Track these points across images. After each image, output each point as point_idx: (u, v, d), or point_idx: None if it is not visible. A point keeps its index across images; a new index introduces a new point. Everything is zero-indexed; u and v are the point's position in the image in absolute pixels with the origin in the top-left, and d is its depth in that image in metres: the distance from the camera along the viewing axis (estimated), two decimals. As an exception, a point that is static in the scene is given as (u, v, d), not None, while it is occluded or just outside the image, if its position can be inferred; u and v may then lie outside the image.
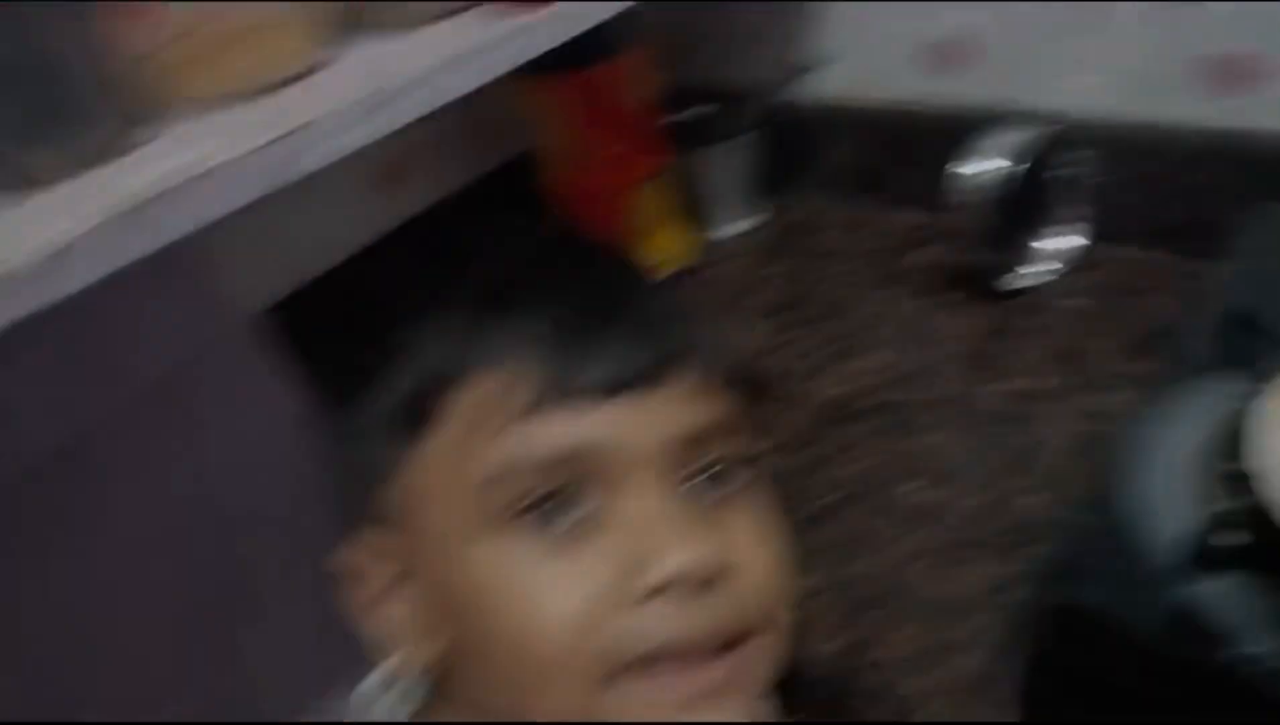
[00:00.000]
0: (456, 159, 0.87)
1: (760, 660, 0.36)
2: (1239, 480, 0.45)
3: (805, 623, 0.55)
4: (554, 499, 0.34)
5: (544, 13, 0.58)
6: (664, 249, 0.87)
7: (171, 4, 0.47)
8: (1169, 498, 0.46)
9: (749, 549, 0.36)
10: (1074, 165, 0.78)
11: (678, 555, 0.33)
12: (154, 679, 0.76)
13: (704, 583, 0.33)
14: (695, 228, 0.94)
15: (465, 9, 0.59)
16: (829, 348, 0.78)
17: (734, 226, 0.95)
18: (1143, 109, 0.76)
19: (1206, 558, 0.41)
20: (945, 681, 0.51)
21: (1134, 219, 0.79)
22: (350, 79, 0.51)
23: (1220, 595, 0.41)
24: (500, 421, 0.33)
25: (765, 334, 0.81)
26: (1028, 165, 0.74)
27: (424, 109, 0.51)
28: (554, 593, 0.33)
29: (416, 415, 0.35)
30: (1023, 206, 0.79)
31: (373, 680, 0.47)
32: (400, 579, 0.37)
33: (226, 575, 0.79)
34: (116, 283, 0.40)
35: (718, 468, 0.36)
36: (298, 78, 0.51)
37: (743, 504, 0.37)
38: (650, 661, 0.33)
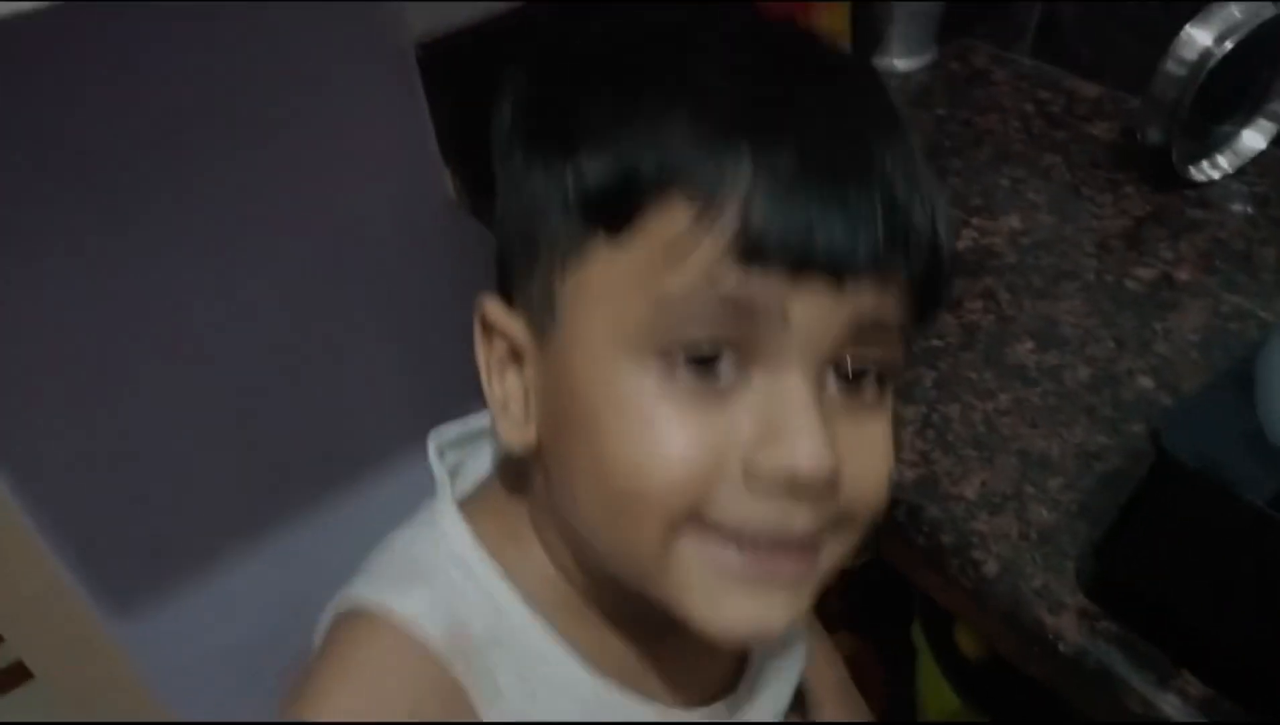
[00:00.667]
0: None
1: (831, 560, 0.37)
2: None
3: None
4: (711, 345, 0.32)
5: None
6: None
7: None
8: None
9: (867, 461, 0.36)
10: (1291, 61, 0.72)
11: (799, 455, 0.32)
12: (250, 391, 0.81)
13: (812, 489, 0.33)
14: (863, 58, 0.90)
15: None
16: (975, 200, 0.75)
17: (903, 61, 0.91)
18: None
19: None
20: (1015, 527, 0.52)
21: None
22: None
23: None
24: (693, 251, 0.31)
25: (912, 173, 0.79)
26: (1247, 47, 0.68)
27: None
28: (676, 434, 0.33)
29: (609, 213, 0.33)
30: (1223, 95, 0.74)
31: (455, 428, 0.49)
32: (523, 356, 0.37)
33: (337, 300, 0.83)
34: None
35: (873, 369, 0.35)
36: None
37: (878, 410, 0.36)
38: (730, 532, 0.34)
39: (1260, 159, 0.75)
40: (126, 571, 0.84)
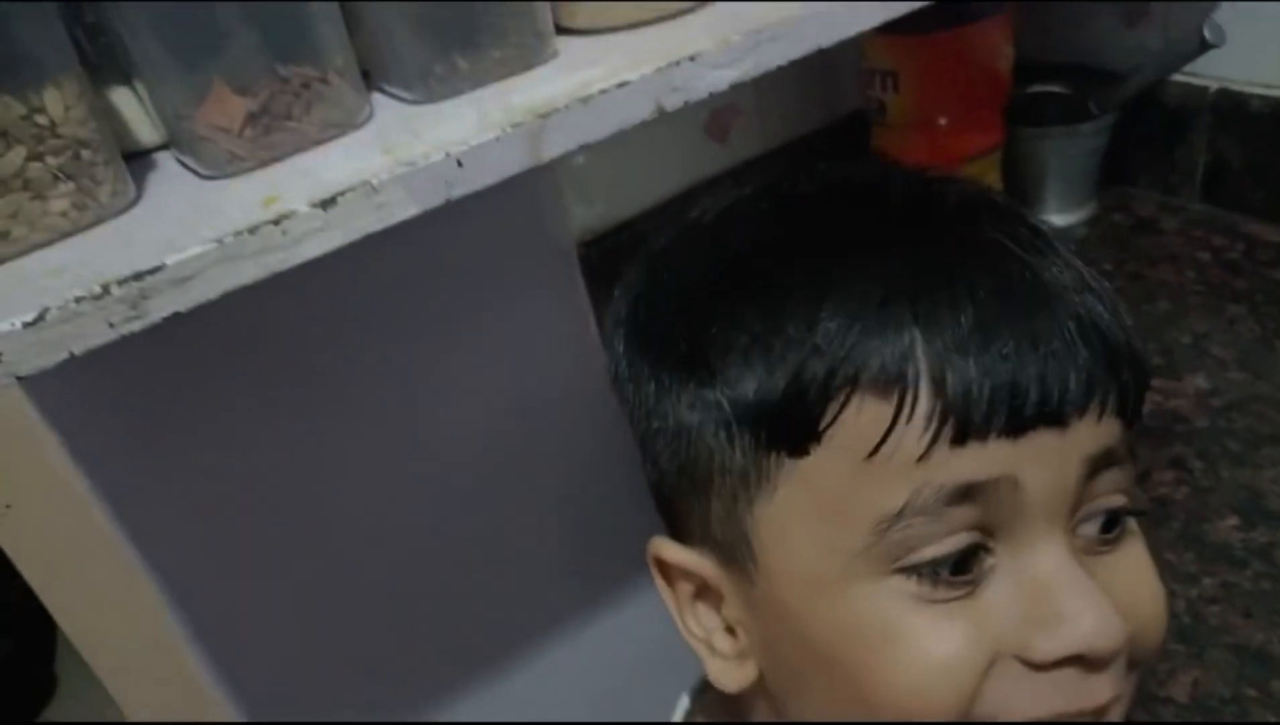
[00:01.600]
0: (788, 111, 0.88)
1: (1122, 712, 0.32)
2: None
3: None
4: (947, 545, 0.29)
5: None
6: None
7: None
8: None
9: (1140, 597, 0.32)
10: None
11: (1086, 632, 0.29)
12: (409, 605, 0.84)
13: (1111, 656, 0.29)
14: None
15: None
16: (1155, 359, 0.72)
17: (1061, 217, 0.89)
18: None
19: None
20: (1241, 731, 0.47)
21: None
22: (732, 18, 0.53)
23: None
24: (896, 451, 0.29)
25: (1081, 332, 0.76)
26: None
27: (804, 50, 0.52)
28: (940, 646, 0.29)
29: (787, 433, 0.30)
30: None
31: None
32: (719, 592, 0.34)
33: (509, 484, 0.86)
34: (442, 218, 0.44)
35: (1114, 508, 0.32)
36: (685, 13, 0.54)
37: (1133, 541, 0.33)
38: None
39: None
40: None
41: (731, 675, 0.35)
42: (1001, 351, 0.29)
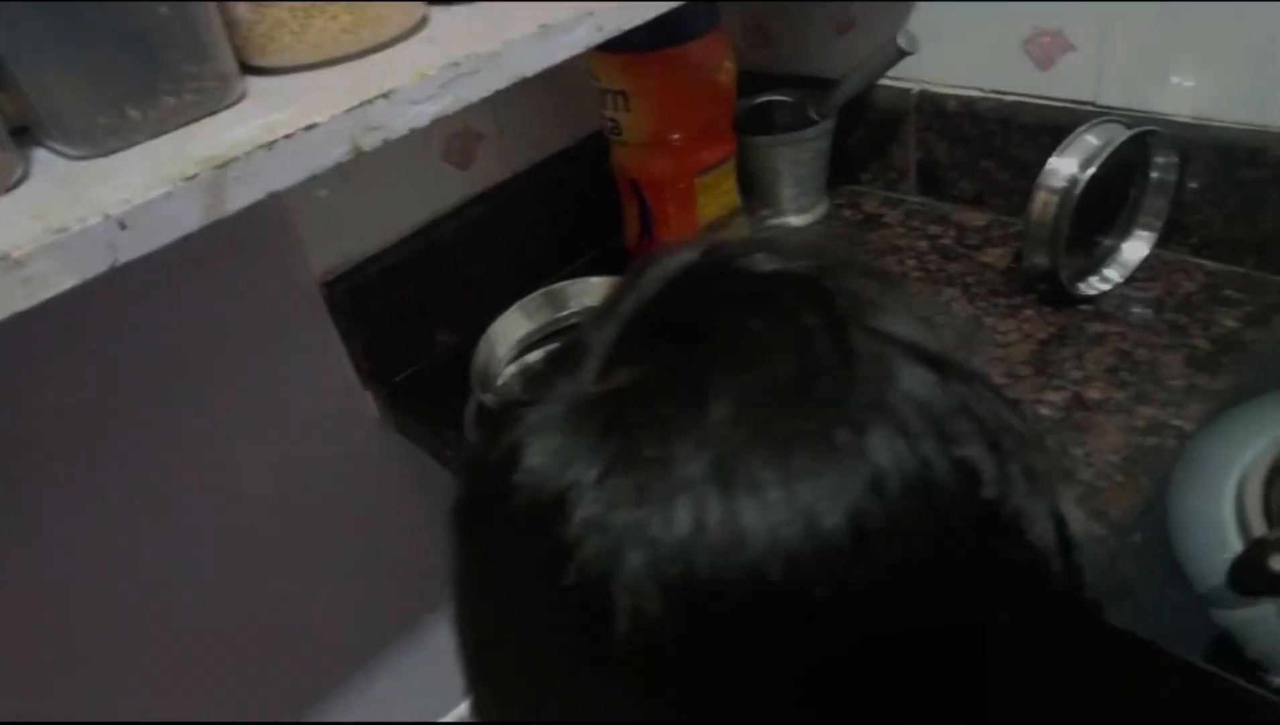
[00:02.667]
0: (529, 134, 0.88)
1: None
2: (1292, 508, 0.44)
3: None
4: None
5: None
6: (728, 235, 0.87)
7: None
8: (1217, 519, 0.45)
9: None
10: (1160, 170, 0.76)
11: None
12: (204, 644, 0.80)
13: None
14: (762, 215, 0.94)
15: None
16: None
17: (797, 218, 0.94)
18: (1246, 115, 0.73)
19: (1248, 583, 0.40)
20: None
21: (1216, 229, 0.77)
22: (436, 48, 0.52)
23: (1262, 622, 0.41)
24: None
25: (822, 326, 0.80)
26: (1111, 168, 0.72)
27: (505, 81, 0.52)
28: None
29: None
30: (1101, 210, 0.78)
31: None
32: None
33: (278, 522, 0.82)
34: (189, 245, 0.42)
35: None
36: (385, 45, 0.53)
37: None
38: None
39: (1146, 264, 0.79)
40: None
41: None
42: None
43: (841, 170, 0.98)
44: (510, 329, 0.78)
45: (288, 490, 0.83)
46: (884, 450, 0.23)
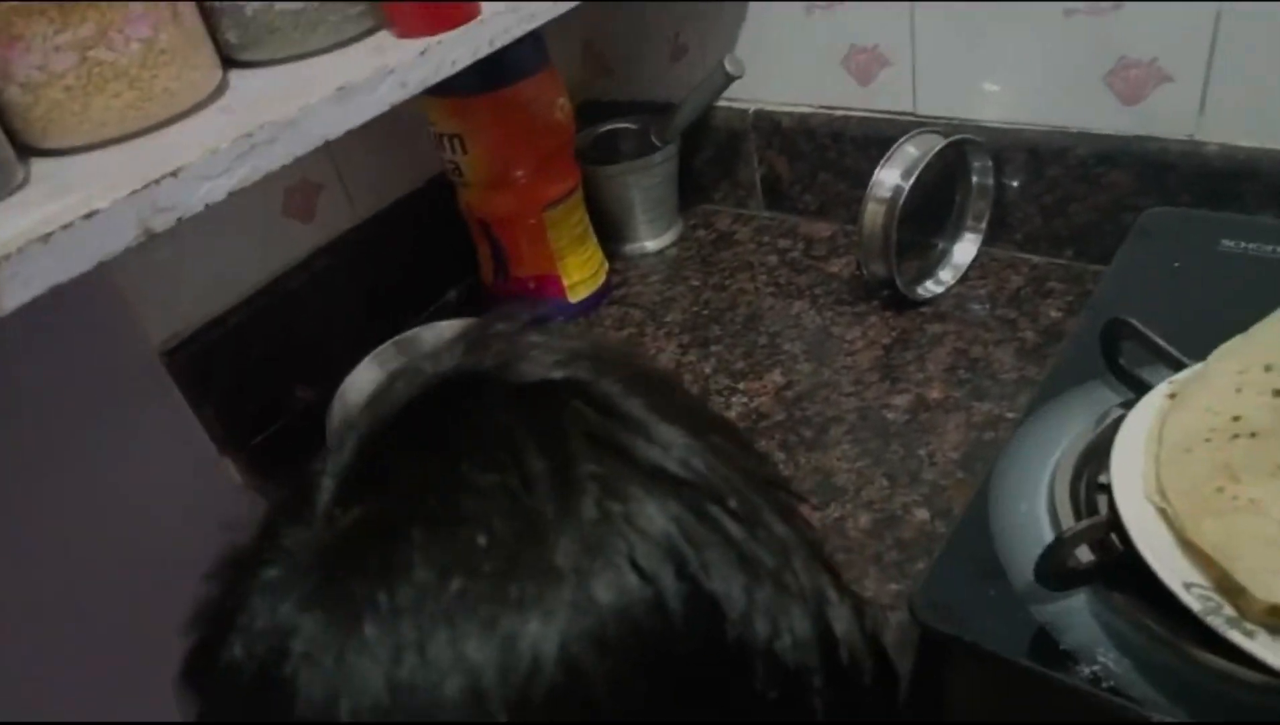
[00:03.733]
0: (371, 181, 0.87)
1: None
2: (1100, 494, 0.47)
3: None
4: None
5: (446, 35, 0.58)
6: (581, 268, 0.87)
7: (41, 41, 0.47)
8: (1032, 515, 0.48)
9: None
10: (979, 173, 0.80)
11: None
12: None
13: None
14: (614, 245, 0.95)
15: (365, 33, 0.59)
16: (739, 363, 0.79)
17: (653, 242, 0.96)
18: (1048, 117, 0.77)
19: (1053, 579, 0.42)
20: (832, 698, 0.52)
21: (1036, 225, 0.81)
22: (231, 118, 0.51)
23: (1074, 614, 0.43)
24: None
25: (678, 351, 0.82)
26: (934, 174, 0.75)
27: (305, 148, 0.51)
28: None
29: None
30: (932, 215, 0.81)
31: None
32: None
33: (126, 612, 0.79)
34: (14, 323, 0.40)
35: None
36: (179, 117, 0.51)
37: None
38: None
39: (976, 263, 0.82)
40: None
41: None
42: None
43: (693, 190, 0.99)
44: (364, 382, 0.77)
45: (151, 567, 0.79)
46: (610, 591, 0.23)
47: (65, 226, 0.41)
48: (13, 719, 0.72)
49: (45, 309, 0.41)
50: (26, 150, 0.48)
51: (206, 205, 0.46)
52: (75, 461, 0.73)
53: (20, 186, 0.46)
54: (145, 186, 0.44)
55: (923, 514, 0.62)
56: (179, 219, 0.45)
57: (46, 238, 0.40)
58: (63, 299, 0.42)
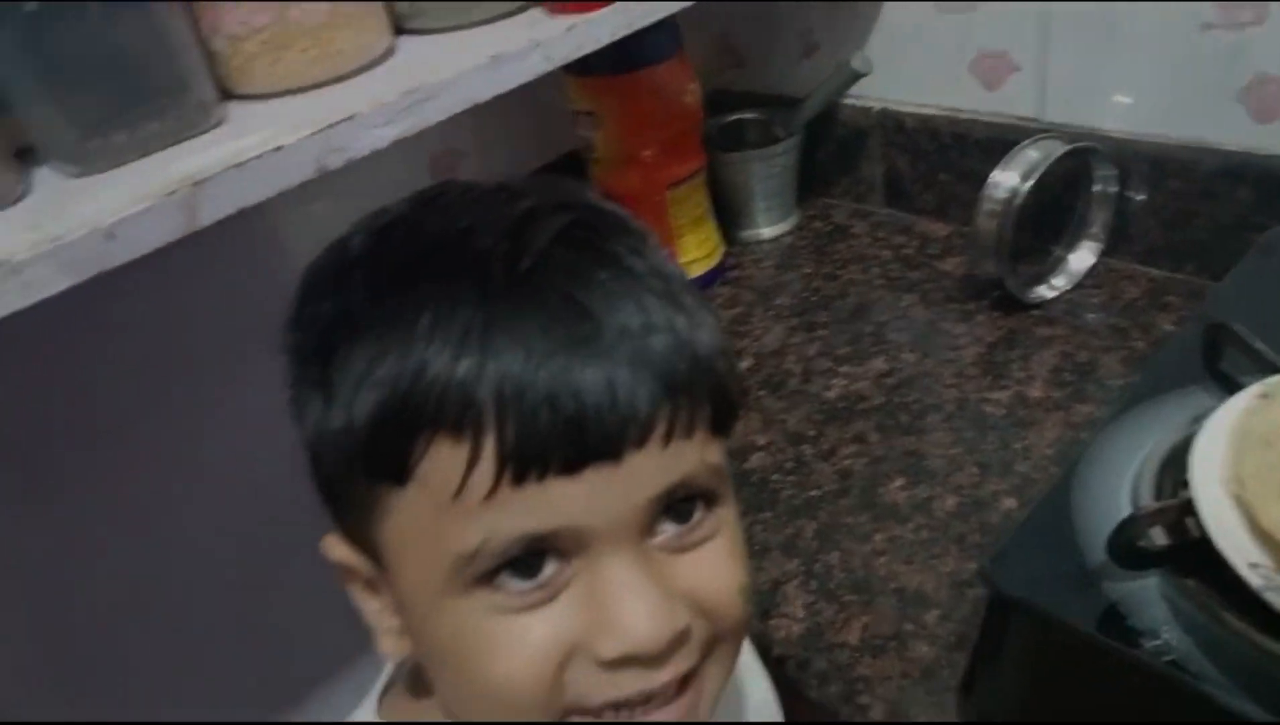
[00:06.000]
0: (509, 152, 0.93)
1: (717, 680, 0.38)
2: (1180, 486, 0.48)
3: (776, 604, 0.60)
4: (524, 564, 0.33)
5: (592, 14, 0.63)
6: (698, 247, 0.91)
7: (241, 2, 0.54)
8: (1114, 499, 0.49)
9: (717, 580, 0.36)
10: (1102, 183, 0.80)
11: (636, 634, 0.33)
12: (192, 642, 0.84)
13: (662, 654, 0.34)
14: (731, 229, 0.98)
15: (520, 9, 0.64)
16: (843, 349, 0.81)
17: (769, 229, 0.99)
18: (1176, 130, 0.77)
19: (1123, 557, 0.44)
20: (897, 666, 0.55)
21: (1157, 239, 0.81)
22: (395, 77, 0.57)
23: (1144, 593, 0.44)
24: (467, 498, 0.32)
25: (784, 333, 0.85)
26: (1055, 182, 0.76)
27: (459, 106, 0.57)
28: (517, 652, 0.34)
29: (384, 467, 0.33)
30: (1052, 221, 0.82)
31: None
32: (376, 583, 0.38)
33: (260, 545, 0.86)
34: (175, 259, 0.47)
35: (694, 504, 0.36)
36: (354, 74, 0.58)
37: (717, 527, 0.37)
38: (605, 707, 0.35)
39: (1093, 272, 0.82)
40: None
41: (391, 648, 0.40)
42: (557, 402, 0.31)
43: (813, 183, 1.02)
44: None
45: (279, 488, 0.87)
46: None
47: (256, 157, 0.47)
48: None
49: (212, 238, 0.47)
50: (225, 94, 0.55)
51: (373, 150, 0.52)
52: (223, 373, 0.80)
53: (218, 124, 0.53)
54: (323, 129, 0.50)
55: (1010, 503, 0.63)
56: (349, 160, 0.51)
57: (240, 165, 0.47)
58: (235, 233, 0.49)
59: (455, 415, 0.32)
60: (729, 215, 0.98)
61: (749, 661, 0.55)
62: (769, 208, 0.98)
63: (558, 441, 0.32)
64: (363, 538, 0.37)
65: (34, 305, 0.42)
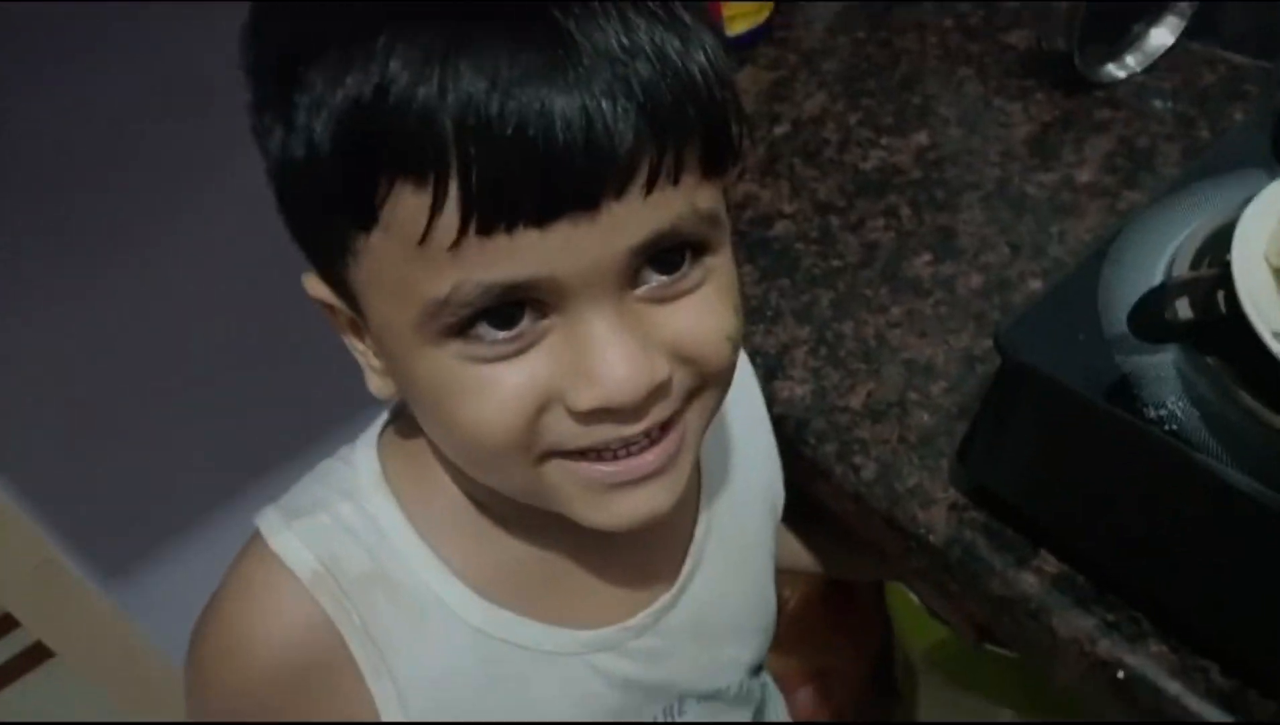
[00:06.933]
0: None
1: (698, 425, 0.38)
2: (1219, 263, 0.45)
3: (784, 366, 0.59)
4: (499, 315, 0.32)
5: None
6: (744, 2, 0.85)
7: None
8: (1147, 274, 0.47)
9: (701, 326, 0.35)
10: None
11: (609, 386, 0.32)
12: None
13: (637, 405, 0.33)
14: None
15: None
16: (886, 120, 0.76)
17: (826, -11, 0.91)
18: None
19: (1154, 326, 0.42)
20: (895, 432, 0.55)
21: (1248, 21, 0.73)
22: None
23: (1159, 368, 0.43)
24: (432, 246, 0.30)
25: (826, 100, 0.80)
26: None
27: None
28: (490, 398, 0.33)
29: (351, 210, 0.31)
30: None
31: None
32: (358, 322, 0.37)
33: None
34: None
35: (681, 254, 0.34)
36: None
37: (708, 274, 0.35)
38: (584, 453, 0.35)
39: (1170, 54, 0.75)
40: (120, 542, 0.89)
41: (379, 388, 0.39)
42: (526, 138, 0.28)
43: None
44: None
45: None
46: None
47: None
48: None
49: None
50: None
51: None
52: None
53: None
54: None
55: (1037, 285, 0.61)
56: None
57: None
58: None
59: (416, 154, 0.29)
60: (784, -30, 0.90)
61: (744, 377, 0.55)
62: (827, -36, 0.90)
63: (526, 190, 0.29)
64: (336, 278, 0.35)
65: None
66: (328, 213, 0.32)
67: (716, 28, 0.34)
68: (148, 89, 0.73)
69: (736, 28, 0.85)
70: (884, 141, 0.75)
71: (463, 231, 0.30)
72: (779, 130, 0.78)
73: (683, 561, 0.48)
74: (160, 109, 0.73)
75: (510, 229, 0.30)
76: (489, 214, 0.29)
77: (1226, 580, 0.42)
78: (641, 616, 0.47)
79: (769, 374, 0.60)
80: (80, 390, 0.80)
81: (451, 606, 0.42)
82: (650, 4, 0.31)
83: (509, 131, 0.28)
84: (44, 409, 0.79)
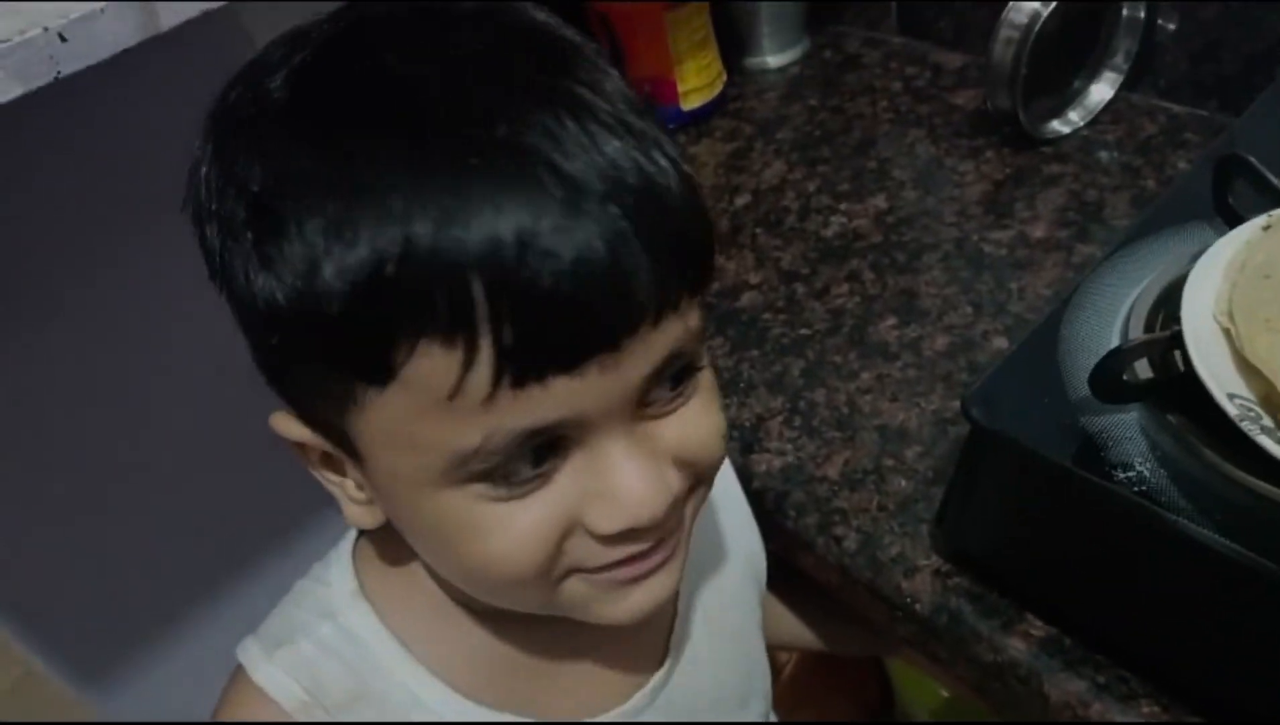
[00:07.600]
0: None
1: (693, 514, 0.39)
2: (1172, 321, 0.46)
3: (760, 438, 0.60)
4: (517, 460, 0.32)
5: None
6: (698, 75, 0.87)
7: None
8: (1104, 335, 0.48)
9: (701, 430, 0.37)
10: (1130, 7, 0.75)
11: (631, 509, 0.34)
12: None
13: (655, 522, 0.34)
14: (735, 57, 0.93)
15: None
16: (844, 185, 0.78)
17: (775, 58, 0.94)
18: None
19: (1106, 390, 0.43)
20: (874, 499, 0.55)
21: (1182, 71, 0.76)
22: None
23: (1123, 428, 0.44)
24: (462, 401, 0.30)
25: (783, 169, 0.82)
26: (1083, 10, 0.71)
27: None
28: (516, 535, 0.33)
29: (349, 363, 0.30)
30: (1069, 49, 0.77)
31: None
32: (341, 461, 0.36)
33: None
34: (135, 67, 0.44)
35: (678, 371, 0.35)
36: None
37: (699, 392, 0.37)
38: (602, 568, 0.36)
39: (1111, 107, 0.78)
40: (99, 649, 0.87)
41: (361, 520, 0.39)
42: (559, 291, 0.28)
43: (825, 9, 0.96)
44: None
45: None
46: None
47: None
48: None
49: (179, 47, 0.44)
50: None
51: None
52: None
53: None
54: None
55: (1001, 342, 0.62)
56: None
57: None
58: (200, 39, 0.46)
59: (445, 315, 0.28)
60: (733, 42, 0.93)
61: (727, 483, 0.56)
62: (776, 34, 0.93)
63: (559, 341, 0.30)
64: (323, 421, 0.34)
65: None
66: (329, 367, 0.31)
67: (664, 122, 0.34)
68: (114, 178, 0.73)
69: (692, 102, 0.87)
70: (843, 207, 0.76)
71: (495, 385, 0.30)
72: (740, 201, 0.79)
73: (668, 639, 0.49)
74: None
75: (542, 378, 0.30)
76: (523, 368, 0.30)
77: (1206, 637, 0.42)
78: (638, 698, 0.47)
79: (745, 447, 0.60)
80: (56, 494, 0.79)
81: (433, 707, 0.42)
82: (637, 126, 0.31)
83: (543, 287, 0.28)
84: (14, 520, 0.78)
